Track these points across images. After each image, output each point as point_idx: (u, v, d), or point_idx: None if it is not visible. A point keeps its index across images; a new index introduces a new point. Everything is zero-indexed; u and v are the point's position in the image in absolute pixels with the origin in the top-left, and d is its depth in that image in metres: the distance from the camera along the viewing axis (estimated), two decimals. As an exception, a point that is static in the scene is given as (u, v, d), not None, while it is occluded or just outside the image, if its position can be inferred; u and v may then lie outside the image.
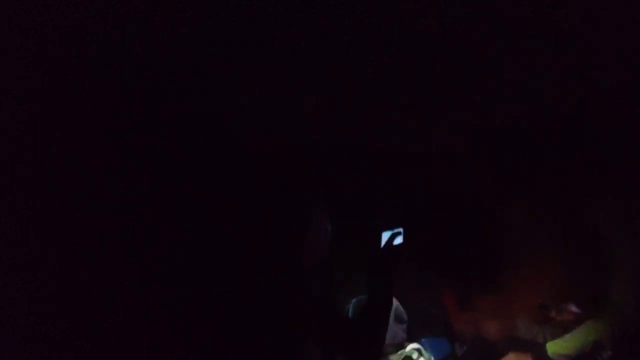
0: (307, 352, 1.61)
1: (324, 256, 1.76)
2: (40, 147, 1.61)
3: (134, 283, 1.71)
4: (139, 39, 1.58)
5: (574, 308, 2.15)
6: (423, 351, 2.13)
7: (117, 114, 1.77)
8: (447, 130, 2.33)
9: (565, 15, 1.49)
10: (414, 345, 2.14)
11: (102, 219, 1.70)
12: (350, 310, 2.20)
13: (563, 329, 2.18)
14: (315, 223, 1.73)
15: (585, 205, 2.19)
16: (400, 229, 1.81)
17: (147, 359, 1.63)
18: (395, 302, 2.31)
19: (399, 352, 2.13)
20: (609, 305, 2.09)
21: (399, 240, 1.77)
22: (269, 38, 1.57)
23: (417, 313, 2.33)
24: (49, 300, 1.58)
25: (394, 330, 2.25)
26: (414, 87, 1.91)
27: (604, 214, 2.14)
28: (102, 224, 1.70)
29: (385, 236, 1.88)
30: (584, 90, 2.00)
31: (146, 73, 1.76)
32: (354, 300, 2.19)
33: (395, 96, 1.98)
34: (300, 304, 1.60)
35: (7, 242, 1.53)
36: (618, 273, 2.10)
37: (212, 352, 1.55)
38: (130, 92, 1.78)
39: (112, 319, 1.65)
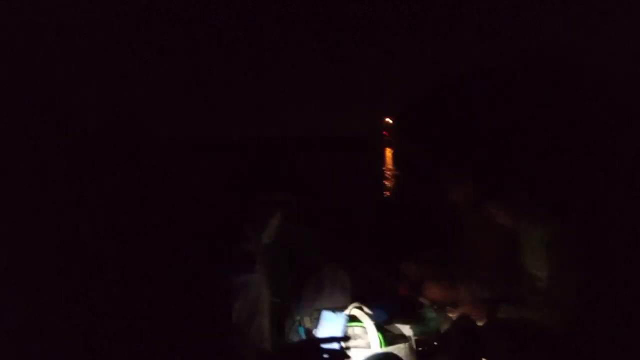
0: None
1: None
2: None
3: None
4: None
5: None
6: (365, 309, 2.13)
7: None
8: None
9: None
10: (355, 304, 2.14)
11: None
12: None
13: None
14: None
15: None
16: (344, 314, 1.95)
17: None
18: (338, 269, 2.34)
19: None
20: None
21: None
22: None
23: (361, 280, 2.35)
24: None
25: (337, 297, 2.27)
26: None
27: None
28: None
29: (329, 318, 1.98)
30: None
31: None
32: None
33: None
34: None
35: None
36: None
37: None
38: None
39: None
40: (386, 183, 2.93)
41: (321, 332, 2.01)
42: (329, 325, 2.02)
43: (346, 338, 1.88)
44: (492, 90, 2.42)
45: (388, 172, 2.94)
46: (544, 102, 2.27)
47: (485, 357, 2.04)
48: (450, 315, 2.28)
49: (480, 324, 2.17)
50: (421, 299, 2.38)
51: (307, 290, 2.24)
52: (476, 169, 2.31)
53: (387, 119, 2.96)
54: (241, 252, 1.88)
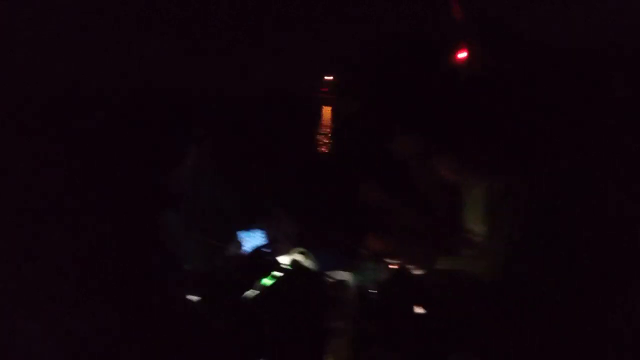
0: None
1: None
2: None
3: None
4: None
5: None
6: (308, 255, 2.13)
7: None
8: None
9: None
10: (299, 249, 2.13)
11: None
12: None
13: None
14: None
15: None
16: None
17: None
18: (283, 216, 2.31)
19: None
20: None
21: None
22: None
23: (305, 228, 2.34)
24: None
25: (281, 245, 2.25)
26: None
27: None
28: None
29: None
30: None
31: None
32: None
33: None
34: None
35: None
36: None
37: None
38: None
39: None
40: (324, 138, 2.93)
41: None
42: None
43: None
44: (437, 47, 2.43)
45: (326, 128, 2.95)
46: (487, 60, 2.32)
47: (421, 305, 2.10)
48: (390, 265, 2.32)
49: (417, 273, 2.22)
50: (362, 250, 2.40)
51: (249, 235, 2.19)
52: (422, 124, 2.33)
53: (327, 77, 2.95)
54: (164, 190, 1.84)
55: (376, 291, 2.20)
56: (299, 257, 2.10)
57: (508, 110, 2.25)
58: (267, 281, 2.01)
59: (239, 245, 2.13)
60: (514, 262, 2.08)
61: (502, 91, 2.26)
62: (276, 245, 2.19)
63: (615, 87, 2.12)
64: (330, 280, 2.16)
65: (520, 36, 2.19)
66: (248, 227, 2.24)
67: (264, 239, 2.14)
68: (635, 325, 1.94)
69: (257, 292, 1.95)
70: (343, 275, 2.22)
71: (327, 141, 2.75)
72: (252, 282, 1.87)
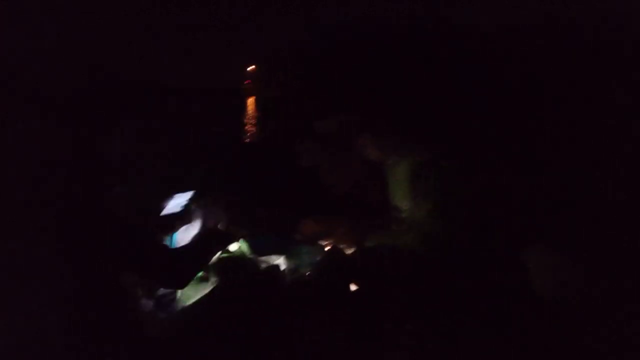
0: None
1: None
2: None
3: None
4: None
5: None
6: (242, 243, 2.12)
7: None
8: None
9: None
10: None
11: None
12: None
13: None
14: None
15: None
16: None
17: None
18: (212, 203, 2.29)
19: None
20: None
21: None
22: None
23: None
24: None
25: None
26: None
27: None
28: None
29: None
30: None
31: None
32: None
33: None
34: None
35: None
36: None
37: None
38: None
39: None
40: (249, 128, 2.93)
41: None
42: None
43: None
44: (358, 35, 2.52)
45: (251, 118, 2.96)
46: (411, 48, 2.44)
47: (355, 282, 2.17)
48: (324, 247, 2.37)
49: (350, 252, 2.28)
50: (295, 234, 2.43)
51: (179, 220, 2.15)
52: (347, 106, 2.41)
53: (250, 67, 2.96)
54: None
55: (311, 273, 2.23)
56: (232, 245, 2.08)
57: (424, 94, 2.37)
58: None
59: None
60: (439, 234, 2.21)
61: (421, 75, 2.38)
62: (209, 234, 2.15)
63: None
64: (264, 265, 2.17)
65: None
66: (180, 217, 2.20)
67: (198, 228, 2.10)
68: (539, 285, 2.10)
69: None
70: (277, 260, 2.23)
71: (252, 130, 2.74)
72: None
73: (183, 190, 2.20)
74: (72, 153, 1.77)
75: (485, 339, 1.92)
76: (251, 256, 2.15)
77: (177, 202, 2.15)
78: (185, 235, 2.13)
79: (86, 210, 1.67)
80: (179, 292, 1.97)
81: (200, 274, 1.97)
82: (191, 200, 2.14)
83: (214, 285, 1.95)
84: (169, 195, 2.18)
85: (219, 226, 2.11)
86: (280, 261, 2.23)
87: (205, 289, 1.95)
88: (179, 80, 2.56)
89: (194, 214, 2.19)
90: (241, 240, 2.13)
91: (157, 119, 2.36)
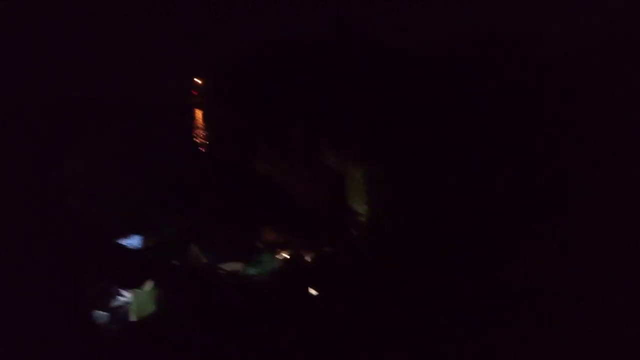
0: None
1: None
2: None
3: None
4: None
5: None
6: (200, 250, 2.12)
7: None
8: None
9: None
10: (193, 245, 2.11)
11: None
12: None
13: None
14: None
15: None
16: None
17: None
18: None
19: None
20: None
21: None
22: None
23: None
24: None
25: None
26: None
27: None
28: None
29: None
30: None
31: None
32: None
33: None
34: None
35: None
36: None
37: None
38: None
39: None
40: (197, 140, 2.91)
41: None
42: None
43: None
44: (317, 46, 2.57)
45: (199, 131, 2.94)
46: (353, 54, 2.49)
47: (314, 289, 2.17)
48: (284, 255, 2.37)
49: (309, 259, 2.30)
50: (256, 242, 2.42)
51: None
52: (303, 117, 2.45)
53: (196, 79, 2.96)
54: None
55: (270, 280, 2.23)
56: (192, 253, 2.08)
57: (380, 103, 2.41)
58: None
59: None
60: (395, 236, 2.24)
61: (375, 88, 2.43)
62: (169, 243, 2.15)
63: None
64: (222, 272, 2.16)
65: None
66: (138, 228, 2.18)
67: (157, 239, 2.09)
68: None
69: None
70: (235, 267, 2.23)
71: (203, 141, 2.73)
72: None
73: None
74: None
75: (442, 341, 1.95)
76: (208, 264, 2.14)
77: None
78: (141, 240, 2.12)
79: (44, 210, 1.65)
80: (133, 303, 1.95)
81: (152, 284, 1.95)
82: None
83: (167, 294, 1.93)
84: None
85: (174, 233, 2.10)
86: (239, 267, 2.23)
87: (158, 299, 1.93)
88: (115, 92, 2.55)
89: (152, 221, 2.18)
90: (197, 247, 2.12)
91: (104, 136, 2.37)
